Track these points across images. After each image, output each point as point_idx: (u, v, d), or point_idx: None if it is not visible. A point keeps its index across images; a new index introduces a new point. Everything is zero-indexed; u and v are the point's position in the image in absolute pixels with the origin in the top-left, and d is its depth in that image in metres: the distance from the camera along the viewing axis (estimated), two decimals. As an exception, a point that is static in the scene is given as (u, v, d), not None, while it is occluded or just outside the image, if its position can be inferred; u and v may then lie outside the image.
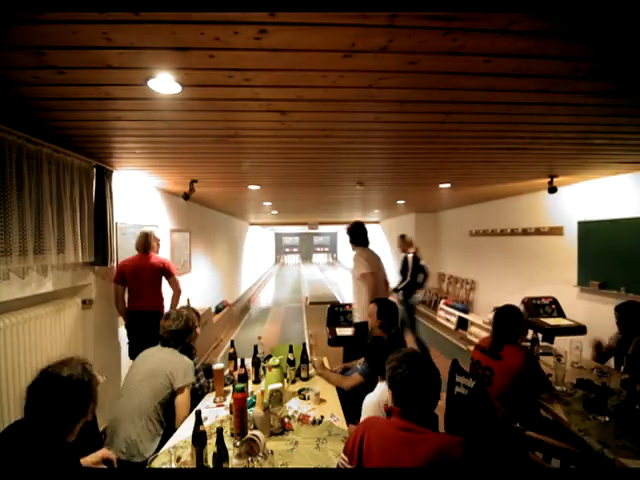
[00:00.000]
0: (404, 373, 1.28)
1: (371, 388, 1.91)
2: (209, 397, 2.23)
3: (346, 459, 1.30)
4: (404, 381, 1.28)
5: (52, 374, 1.22)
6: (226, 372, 2.42)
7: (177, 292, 3.50)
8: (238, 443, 1.59)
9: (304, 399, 2.17)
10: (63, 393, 1.19)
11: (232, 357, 2.59)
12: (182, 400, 1.95)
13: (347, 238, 3.56)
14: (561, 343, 3.20)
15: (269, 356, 2.53)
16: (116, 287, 3.24)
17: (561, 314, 3.84)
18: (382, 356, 1.59)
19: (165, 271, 3.38)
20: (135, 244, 3.37)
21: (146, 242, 3.33)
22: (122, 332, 3.39)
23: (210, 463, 1.48)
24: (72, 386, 1.21)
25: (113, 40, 1.22)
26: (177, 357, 2.06)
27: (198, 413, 1.54)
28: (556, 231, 4.82)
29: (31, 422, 1.17)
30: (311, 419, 1.92)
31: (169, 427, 1.92)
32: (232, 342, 2.71)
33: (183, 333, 2.15)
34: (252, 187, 4.52)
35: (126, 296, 3.31)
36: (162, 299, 3.41)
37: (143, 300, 3.26)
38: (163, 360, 2.02)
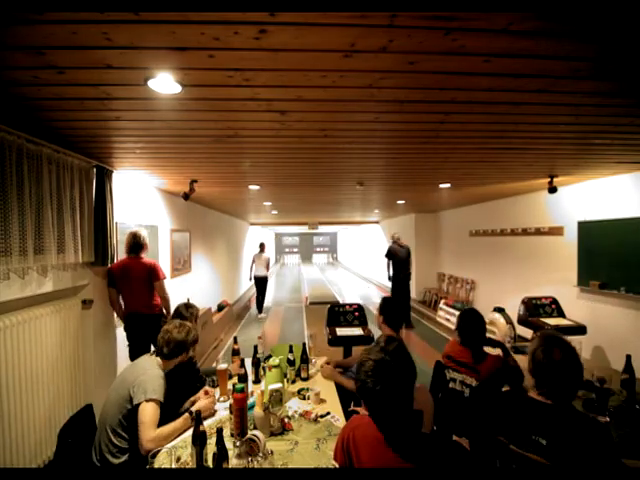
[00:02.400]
0: (376, 387, 1.12)
1: None
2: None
3: (337, 466, 1.28)
4: (375, 395, 1.13)
5: None
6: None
7: (162, 298, 3.33)
8: (238, 443, 1.58)
9: (304, 399, 2.17)
10: None
11: (236, 353, 2.59)
12: (141, 417, 1.71)
13: None
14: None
15: (269, 356, 2.53)
16: (109, 290, 3.20)
17: (561, 314, 3.84)
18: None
19: (152, 274, 3.23)
20: (125, 245, 3.26)
21: (135, 243, 3.23)
22: (121, 332, 3.39)
23: (210, 463, 1.48)
24: None
25: (113, 40, 1.23)
26: (149, 370, 1.86)
27: (198, 413, 1.54)
28: (556, 231, 4.82)
29: None
30: (313, 415, 1.93)
31: (135, 445, 1.74)
32: (235, 338, 2.72)
33: (179, 345, 1.98)
34: (252, 187, 4.52)
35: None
36: (156, 302, 3.31)
37: (135, 304, 3.20)
38: (135, 371, 1.87)
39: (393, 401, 1.14)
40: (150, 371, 1.86)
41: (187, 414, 1.82)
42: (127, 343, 3.28)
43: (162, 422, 1.77)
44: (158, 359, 1.97)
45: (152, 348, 2.10)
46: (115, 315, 3.32)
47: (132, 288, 3.17)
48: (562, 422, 1.26)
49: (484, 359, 2.13)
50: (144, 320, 3.20)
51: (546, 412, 1.30)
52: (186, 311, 2.53)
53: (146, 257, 3.30)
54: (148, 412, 1.73)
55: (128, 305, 3.23)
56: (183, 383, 2.19)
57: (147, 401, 1.75)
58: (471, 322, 2.21)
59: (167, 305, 3.36)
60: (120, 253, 3.33)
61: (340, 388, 2.34)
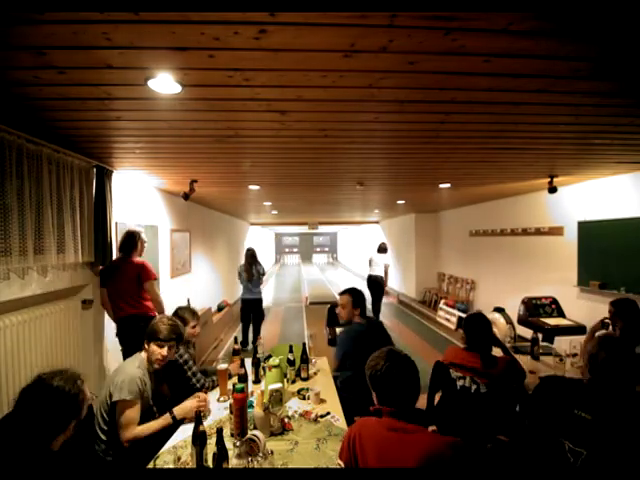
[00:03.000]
0: (382, 369, 1.28)
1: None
2: (213, 396, 2.24)
3: (342, 465, 1.29)
4: (384, 377, 1.27)
5: (44, 382, 1.26)
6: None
7: (153, 301, 3.10)
8: (238, 443, 1.59)
9: (304, 399, 2.17)
10: (49, 401, 1.22)
11: (236, 353, 2.59)
12: (117, 417, 1.74)
13: None
14: (561, 343, 3.20)
15: (269, 356, 2.53)
16: (101, 291, 3.06)
17: (561, 314, 3.83)
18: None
19: (141, 274, 3.02)
20: (118, 244, 3.13)
21: (126, 242, 3.07)
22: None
23: (210, 463, 1.48)
24: (59, 397, 1.24)
25: (113, 40, 1.23)
26: (126, 369, 1.88)
27: (198, 413, 1.54)
28: (556, 231, 4.82)
29: (16, 425, 1.20)
30: (313, 415, 1.93)
31: (114, 441, 1.77)
32: (235, 338, 2.72)
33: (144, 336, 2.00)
34: (252, 187, 4.52)
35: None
36: (144, 305, 3.06)
37: (121, 306, 3.01)
38: (117, 370, 1.92)
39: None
40: (127, 370, 1.88)
41: (167, 414, 1.87)
42: (120, 348, 3.09)
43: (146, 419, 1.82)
44: (142, 355, 2.01)
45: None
46: (106, 316, 3.25)
47: (118, 289, 3.02)
48: (606, 397, 1.33)
49: (495, 363, 2.08)
50: (134, 322, 2.99)
51: (588, 388, 1.39)
52: (183, 312, 2.53)
53: (136, 258, 3.12)
54: (123, 413, 1.76)
55: (116, 307, 3.06)
56: (169, 381, 2.20)
57: (122, 401, 1.77)
58: (479, 327, 2.17)
59: (160, 308, 3.13)
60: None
61: (340, 389, 2.34)
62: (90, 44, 1.25)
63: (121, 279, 3.00)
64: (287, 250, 28.47)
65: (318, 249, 28.93)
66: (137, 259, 3.11)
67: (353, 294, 2.57)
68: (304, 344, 2.66)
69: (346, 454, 1.28)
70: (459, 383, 2.13)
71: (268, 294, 11.97)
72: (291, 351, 2.46)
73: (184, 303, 4.94)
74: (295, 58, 1.38)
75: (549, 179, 3.94)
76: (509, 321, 4.23)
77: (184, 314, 2.49)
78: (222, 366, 2.29)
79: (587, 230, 4.25)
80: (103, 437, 1.80)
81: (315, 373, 2.59)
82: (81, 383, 1.32)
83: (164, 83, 1.56)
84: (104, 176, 2.92)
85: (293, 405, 2.10)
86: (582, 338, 3.06)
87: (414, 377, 1.29)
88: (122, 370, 1.89)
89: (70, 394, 1.26)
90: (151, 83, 1.55)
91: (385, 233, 11.80)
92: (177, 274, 5.00)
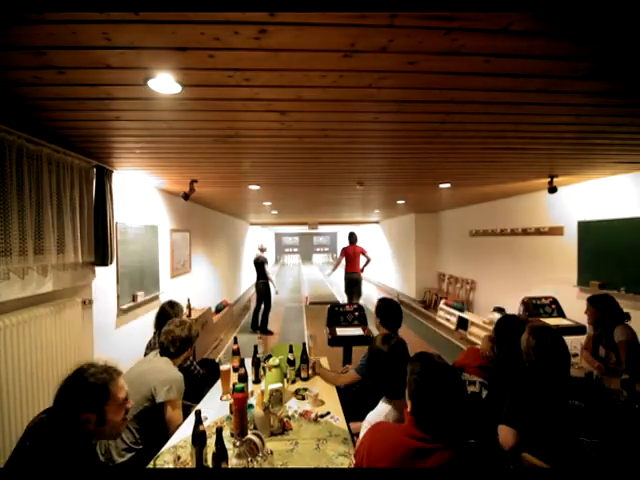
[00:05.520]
0: (419, 379, 1.18)
1: (370, 397, 1.77)
2: (215, 395, 2.25)
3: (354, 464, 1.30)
4: (420, 388, 1.18)
5: (79, 372, 1.39)
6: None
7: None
8: (238, 443, 1.59)
9: (302, 399, 2.16)
10: (79, 390, 1.34)
11: (236, 353, 2.60)
12: (171, 417, 1.85)
13: None
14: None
15: (269, 356, 2.53)
16: None
17: (561, 314, 3.83)
18: (382, 371, 1.61)
19: None
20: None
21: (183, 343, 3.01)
22: (121, 332, 3.40)
23: (210, 463, 1.48)
24: (87, 387, 1.34)
25: (113, 40, 1.23)
26: (167, 371, 1.95)
27: (198, 413, 1.54)
28: (556, 231, 4.82)
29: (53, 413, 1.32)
30: (313, 415, 1.93)
31: (148, 441, 1.82)
32: (235, 339, 2.72)
33: (184, 342, 2.07)
34: (252, 187, 4.52)
35: None
36: None
37: None
38: (151, 370, 1.94)
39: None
40: (173, 372, 1.95)
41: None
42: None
43: None
44: (167, 359, 2.03)
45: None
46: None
47: None
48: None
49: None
50: None
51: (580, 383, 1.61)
52: (171, 309, 2.64)
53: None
54: (177, 411, 1.87)
55: None
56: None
57: (175, 400, 1.84)
58: (514, 330, 2.05)
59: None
60: (120, 253, 3.33)
61: (340, 390, 2.34)
62: (90, 44, 1.25)
63: None
64: (287, 250, 28.46)
65: (318, 249, 28.90)
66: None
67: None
68: (304, 344, 2.66)
69: (359, 457, 1.27)
70: (470, 388, 2.13)
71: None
72: (291, 351, 2.46)
73: (184, 304, 4.95)
74: (295, 58, 1.38)
75: (549, 179, 3.94)
76: (509, 321, 4.22)
77: (168, 310, 2.66)
78: (225, 366, 2.31)
79: (587, 230, 4.25)
80: (126, 439, 1.79)
81: (315, 373, 2.59)
82: (108, 377, 1.38)
83: (164, 83, 1.55)
84: (104, 176, 2.92)
85: (293, 405, 2.10)
86: (582, 338, 3.06)
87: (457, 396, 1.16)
88: (164, 372, 1.93)
89: (96, 385, 1.33)
90: (151, 83, 1.55)
91: (385, 233, 11.80)
92: (177, 274, 5.01)
